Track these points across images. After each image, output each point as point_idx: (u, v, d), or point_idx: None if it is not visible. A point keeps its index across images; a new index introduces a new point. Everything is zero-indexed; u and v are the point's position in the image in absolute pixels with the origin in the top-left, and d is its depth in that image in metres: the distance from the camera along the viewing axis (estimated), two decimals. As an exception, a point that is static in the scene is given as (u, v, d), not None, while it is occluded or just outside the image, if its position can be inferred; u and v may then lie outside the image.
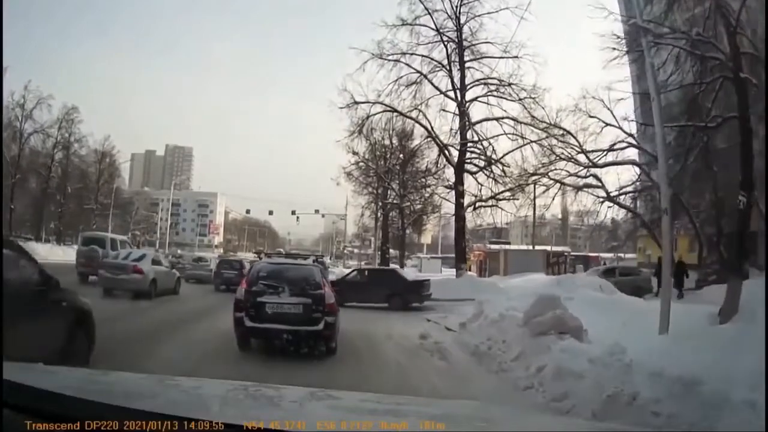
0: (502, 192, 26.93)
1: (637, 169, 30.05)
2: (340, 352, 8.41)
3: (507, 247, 45.45)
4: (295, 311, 8.07)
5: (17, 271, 5.22)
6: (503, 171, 26.79)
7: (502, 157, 26.74)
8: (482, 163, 27.11)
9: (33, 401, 1.43)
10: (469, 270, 34.34)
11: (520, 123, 25.91)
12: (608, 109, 26.42)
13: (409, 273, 23.93)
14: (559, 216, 61.38)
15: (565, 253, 47.56)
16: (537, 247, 46.25)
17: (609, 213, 30.73)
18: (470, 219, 28.18)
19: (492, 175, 26.91)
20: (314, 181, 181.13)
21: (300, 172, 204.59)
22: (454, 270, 27.56)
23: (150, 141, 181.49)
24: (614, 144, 27.64)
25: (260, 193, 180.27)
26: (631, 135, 27.92)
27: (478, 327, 9.42)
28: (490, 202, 27.14)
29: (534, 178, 27.19)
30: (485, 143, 26.83)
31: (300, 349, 7.86)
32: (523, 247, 52.24)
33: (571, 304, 8.25)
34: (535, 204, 33.50)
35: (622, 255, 53.78)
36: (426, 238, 56.59)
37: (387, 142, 34.77)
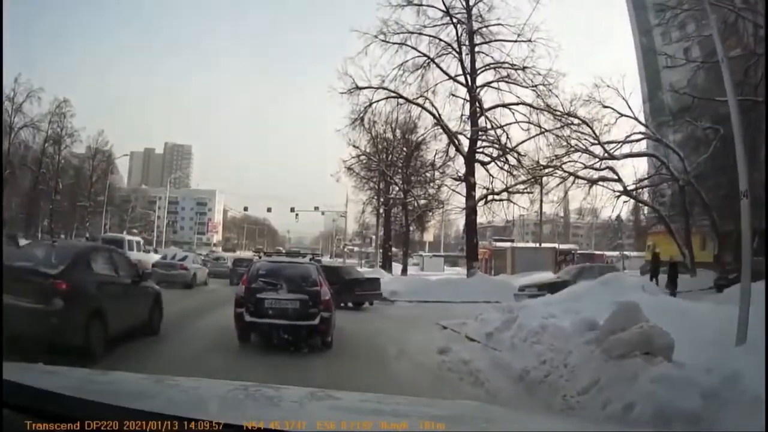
0: (516, 184, 25.40)
1: (650, 162, 28.78)
2: (341, 371, 7.44)
3: (514, 244, 44.16)
4: (292, 307, 8.44)
5: (125, 268, 8.52)
6: (518, 161, 25.25)
7: (516, 146, 25.23)
8: (495, 153, 25.58)
9: (33, 401, 1.42)
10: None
11: (535, 109, 24.38)
12: (623, 98, 25.08)
13: (358, 271, 22.70)
14: (561, 213, 60.24)
15: (573, 251, 46.44)
16: (543, 245, 44.96)
17: (625, 208, 29.48)
18: (477, 215, 26.59)
19: (506, 166, 25.45)
20: (314, 178, 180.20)
21: (299, 169, 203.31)
22: (456, 269, 26.08)
23: (149, 139, 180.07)
24: (630, 135, 26.29)
25: (259, 190, 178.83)
26: (647, 126, 26.57)
27: (510, 339, 7.86)
28: (503, 195, 25.53)
29: (548, 170, 25.70)
30: (498, 131, 25.32)
31: (297, 343, 8.13)
32: (530, 244, 50.84)
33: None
34: (542, 199, 32.08)
35: (627, 253, 52.63)
36: (428, 236, 55.19)
37: (390, 135, 33.25)
